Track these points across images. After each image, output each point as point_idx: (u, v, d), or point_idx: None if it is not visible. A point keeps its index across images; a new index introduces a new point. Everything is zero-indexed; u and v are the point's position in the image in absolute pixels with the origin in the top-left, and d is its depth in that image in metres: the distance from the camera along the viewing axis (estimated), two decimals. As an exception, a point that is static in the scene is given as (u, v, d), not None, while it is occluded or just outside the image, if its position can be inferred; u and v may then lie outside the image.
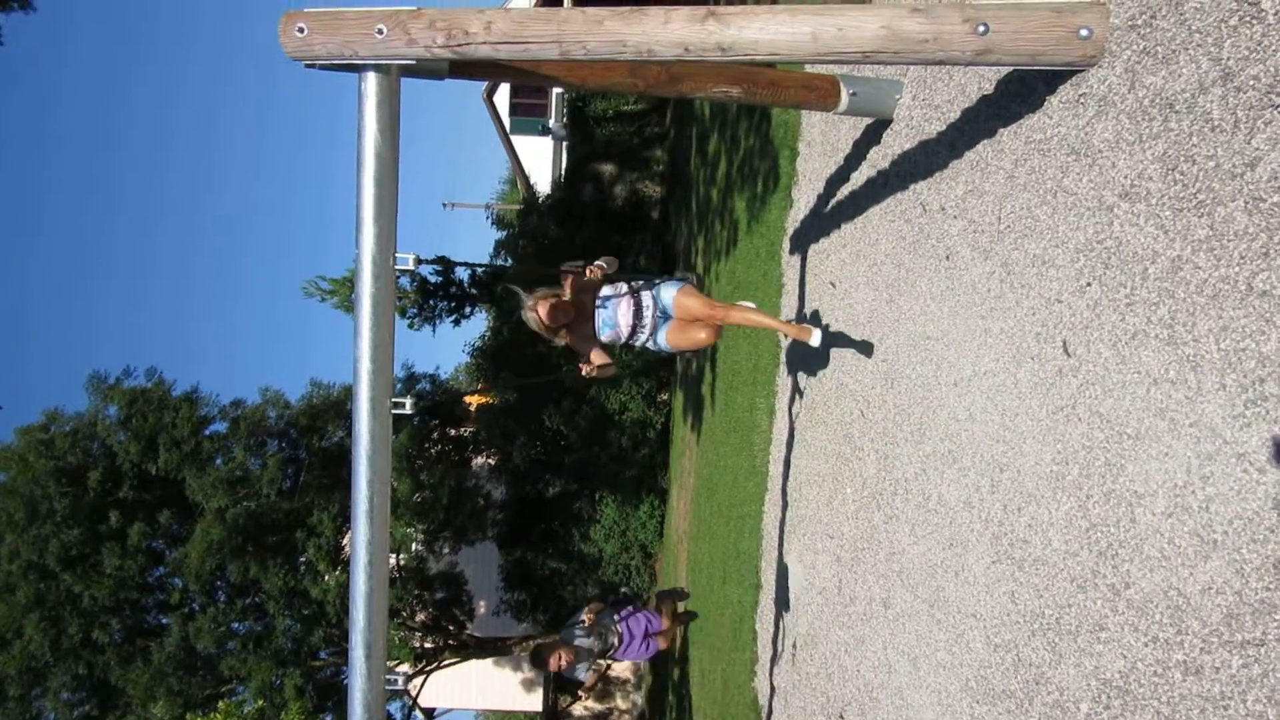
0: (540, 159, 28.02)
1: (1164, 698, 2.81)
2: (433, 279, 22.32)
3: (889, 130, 5.50)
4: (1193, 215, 2.76)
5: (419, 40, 3.69)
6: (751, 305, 6.10)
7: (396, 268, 4.08)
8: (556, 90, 25.18)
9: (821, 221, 6.98)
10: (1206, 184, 2.70)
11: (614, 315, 5.59)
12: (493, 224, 24.64)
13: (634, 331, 5.63)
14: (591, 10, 3.64)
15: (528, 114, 27.95)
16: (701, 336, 5.60)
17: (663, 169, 21.86)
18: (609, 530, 20.29)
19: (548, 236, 20.14)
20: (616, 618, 8.11)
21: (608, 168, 21.58)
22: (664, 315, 5.68)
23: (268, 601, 17.00)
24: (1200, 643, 2.66)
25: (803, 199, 7.77)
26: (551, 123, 26.49)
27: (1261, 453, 2.47)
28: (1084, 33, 3.24)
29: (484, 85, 26.94)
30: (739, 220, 11.23)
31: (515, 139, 28.13)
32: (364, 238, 3.93)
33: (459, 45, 3.71)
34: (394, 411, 4.17)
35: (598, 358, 5.66)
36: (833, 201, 6.70)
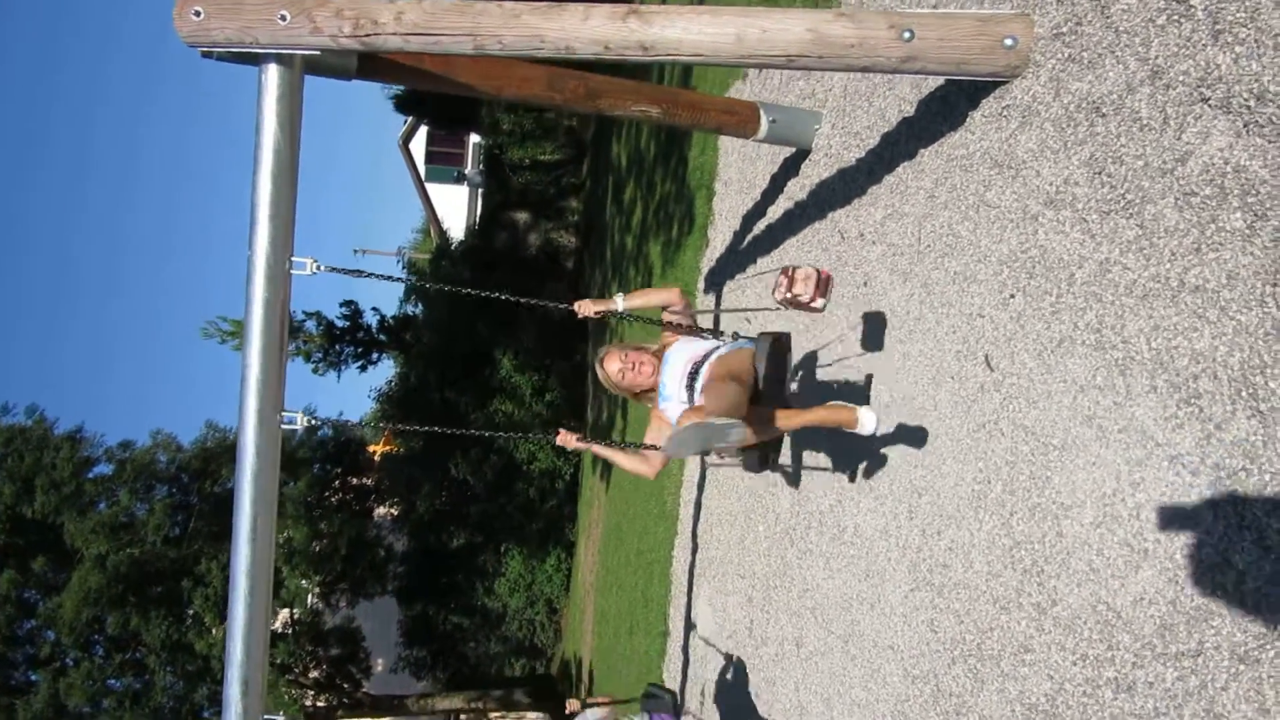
0: (455, 207, 27.82)
1: (1094, 718, 2.68)
2: (339, 323, 21.80)
3: (807, 160, 5.46)
4: (1121, 216, 2.70)
5: (324, 29, 3.50)
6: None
7: (293, 271, 3.83)
8: (474, 139, 25.05)
9: (738, 257, 6.91)
10: (1135, 183, 2.64)
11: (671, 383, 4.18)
12: (405, 270, 24.26)
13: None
14: (509, 4, 3.50)
15: (443, 162, 27.78)
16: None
17: (578, 219, 21.80)
18: (514, 584, 19.75)
19: (460, 282, 19.85)
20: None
21: (522, 216, 21.48)
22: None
23: (149, 656, 16.01)
24: (1132, 657, 2.54)
25: (719, 238, 7.70)
26: (468, 169, 26.35)
27: (1195, 454, 2.38)
28: (1009, 42, 3.20)
29: (400, 132, 26.73)
30: (654, 264, 11.14)
31: (430, 186, 27.92)
32: (258, 237, 3.69)
33: (367, 35, 3.53)
34: (284, 427, 3.88)
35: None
36: (749, 237, 6.63)
